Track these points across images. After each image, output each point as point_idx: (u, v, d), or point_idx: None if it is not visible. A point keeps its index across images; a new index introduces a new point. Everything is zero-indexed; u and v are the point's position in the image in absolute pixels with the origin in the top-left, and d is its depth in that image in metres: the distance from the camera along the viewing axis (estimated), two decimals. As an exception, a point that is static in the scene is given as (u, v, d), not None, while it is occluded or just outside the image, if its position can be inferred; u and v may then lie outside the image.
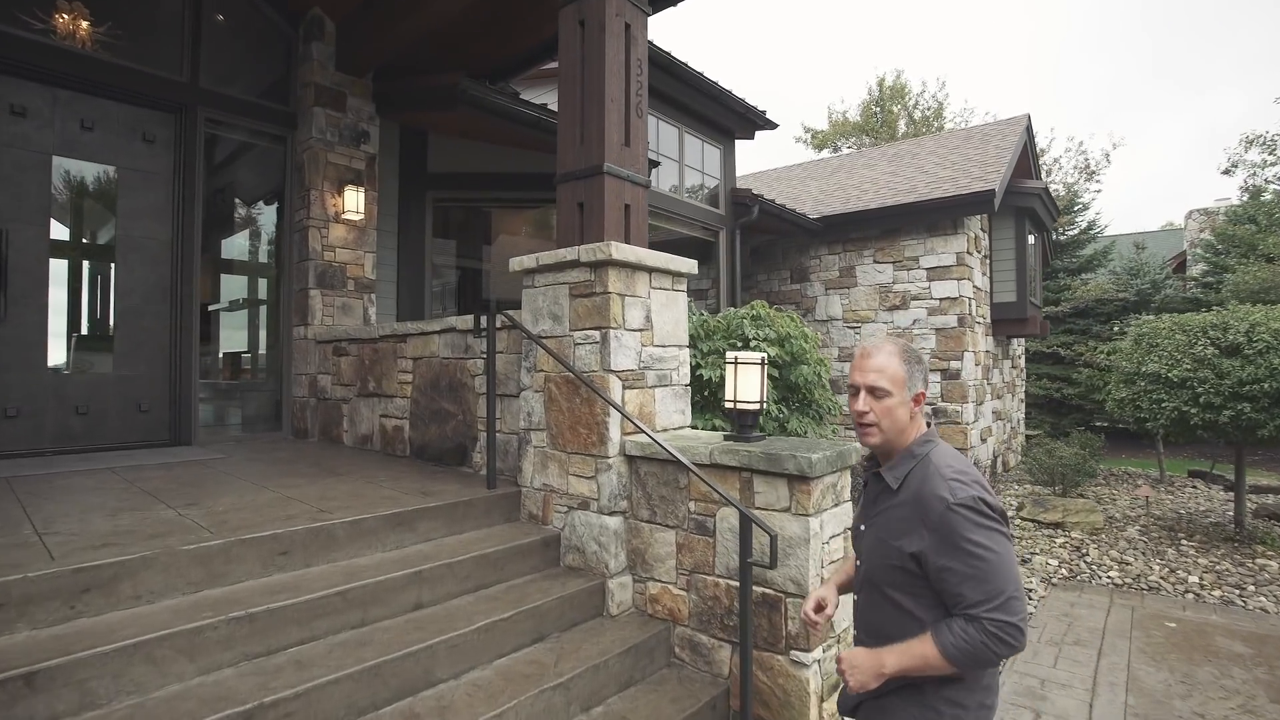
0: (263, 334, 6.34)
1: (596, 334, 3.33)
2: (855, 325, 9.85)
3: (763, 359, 3.15)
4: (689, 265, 3.71)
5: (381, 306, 6.37)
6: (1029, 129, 10.61)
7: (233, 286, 6.44)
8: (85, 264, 5.38)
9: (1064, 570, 5.87)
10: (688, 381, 3.79)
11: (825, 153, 23.92)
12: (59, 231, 5.12)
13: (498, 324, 3.74)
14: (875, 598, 1.66)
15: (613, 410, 3.26)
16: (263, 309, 6.36)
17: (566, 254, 3.41)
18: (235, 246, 6.51)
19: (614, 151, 3.58)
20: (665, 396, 3.62)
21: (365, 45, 5.71)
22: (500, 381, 3.86)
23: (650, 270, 3.53)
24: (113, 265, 5.24)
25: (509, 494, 3.65)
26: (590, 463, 3.33)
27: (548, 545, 3.42)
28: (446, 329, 4.32)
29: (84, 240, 5.43)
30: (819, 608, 1.84)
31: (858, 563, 1.75)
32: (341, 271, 5.94)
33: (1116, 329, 13.67)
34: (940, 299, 9.12)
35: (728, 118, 8.46)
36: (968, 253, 9.06)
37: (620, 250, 3.28)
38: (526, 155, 6.78)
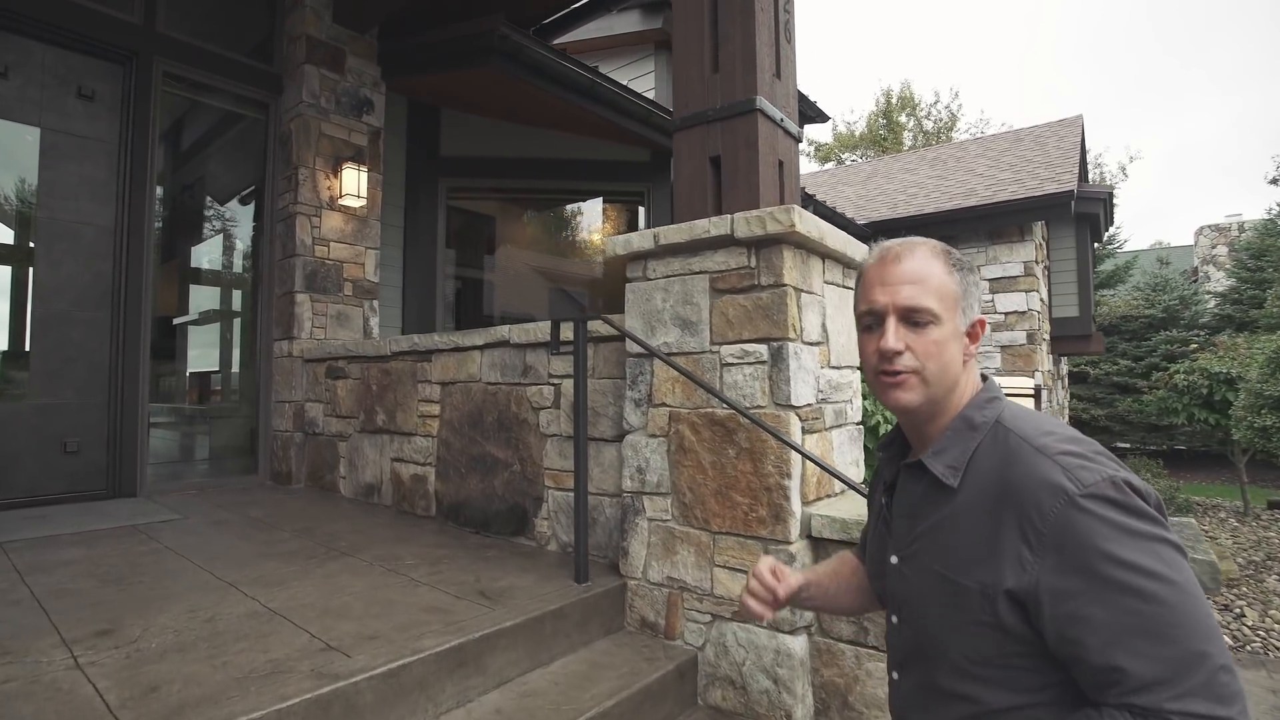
0: (235, 350, 5.03)
1: (762, 349, 2.18)
2: (907, 343, 8.84)
3: (1037, 388, 2.02)
4: (863, 251, 2.59)
5: (384, 317, 5.13)
6: (1082, 131, 9.83)
7: (200, 296, 5.12)
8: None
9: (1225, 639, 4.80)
10: (860, 419, 2.65)
11: (829, 165, 23.24)
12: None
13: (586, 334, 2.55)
14: (930, 676, 0.94)
15: (793, 468, 2.10)
16: (236, 320, 5.07)
17: (710, 226, 2.26)
18: (203, 247, 5.21)
19: (765, 83, 2.46)
20: (842, 442, 2.47)
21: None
22: (588, 419, 2.66)
23: (825, 255, 2.41)
24: (30, 258, 3.94)
25: (609, 589, 2.45)
26: (753, 548, 2.16)
27: (682, 676, 2.22)
28: (494, 342, 3.12)
29: (-7, 225, 4.12)
30: (778, 576, 1.16)
31: (894, 619, 1.02)
32: (337, 271, 4.70)
33: (1157, 347, 12.96)
34: (1006, 313, 8.16)
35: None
36: (1035, 261, 8.13)
37: (803, 220, 2.14)
38: (561, 139, 5.64)
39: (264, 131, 4.84)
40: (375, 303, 4.92)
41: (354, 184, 4.62)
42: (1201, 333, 13.91)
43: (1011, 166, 9.04)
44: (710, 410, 2.27)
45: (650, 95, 6.16)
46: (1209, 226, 18.14)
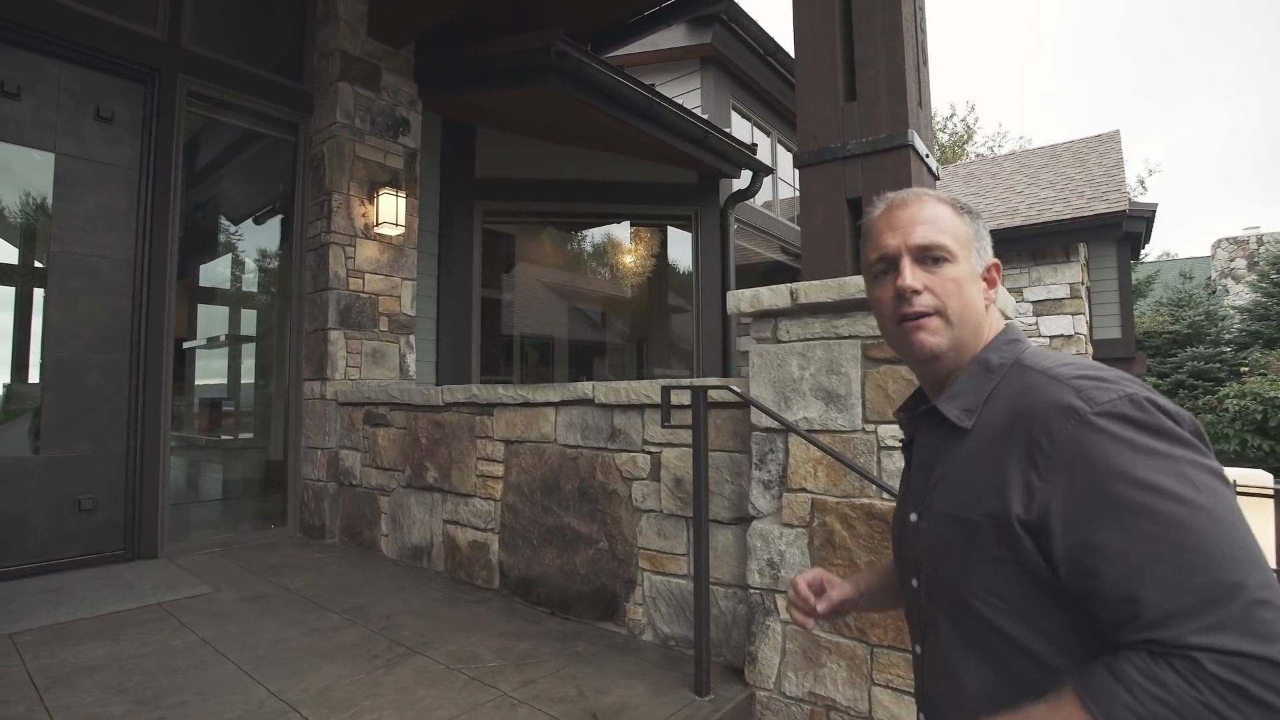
0: (256, 387, 4.66)
1: (936, 433, 1.83)
2: (945, 366, 8.51)
3: (1277, 491, 1.69)
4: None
5: (418, 351, 4.77)
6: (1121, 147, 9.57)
7: (215, 321, 4.76)
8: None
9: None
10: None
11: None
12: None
13: (678, 397, 2.20)
14: (951, 634, 0.85)
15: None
16: (253, 351, 4.70)
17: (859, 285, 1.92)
18: (221, 275, 4.84)
19: (914, 113, 2.13)
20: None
21: (408, 4, 4.21)
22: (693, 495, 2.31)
23: (990, 316, 2.06)
24: (42, 296, 3.57)
25: (737, 703, 2.09)
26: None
27: (841, 820, 1.86)
28: (573, 400, 2.77)
29: None
30: (819, 588, 1.11)
31: (914, 582, 0.93)
32: (372, 305, 4.34)
33: (1183, 364, 12.69)
34: (1051, 337, 7.86)
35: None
36: (1081, 283, 7.83)
37: (987, 282, 1.80)
38: (602, 159, 5.31)
39: (292, 153, 4.49)
40: (412, 338, 4.56)
41: (391, 211, 4.27)
42: (1228, 349, 13.66)
43: (1053, 184, 8.75)
44: (867, 502, 1.92)
45: (697, 112, 5.85)
46: (1227, 239, 17.94)
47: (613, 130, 4.57)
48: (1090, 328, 9.01)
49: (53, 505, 3.49)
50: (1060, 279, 7.84)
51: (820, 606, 1.09)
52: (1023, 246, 8.00)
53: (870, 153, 2.12)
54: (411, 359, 4.53)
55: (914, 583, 0.94)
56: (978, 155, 22.13)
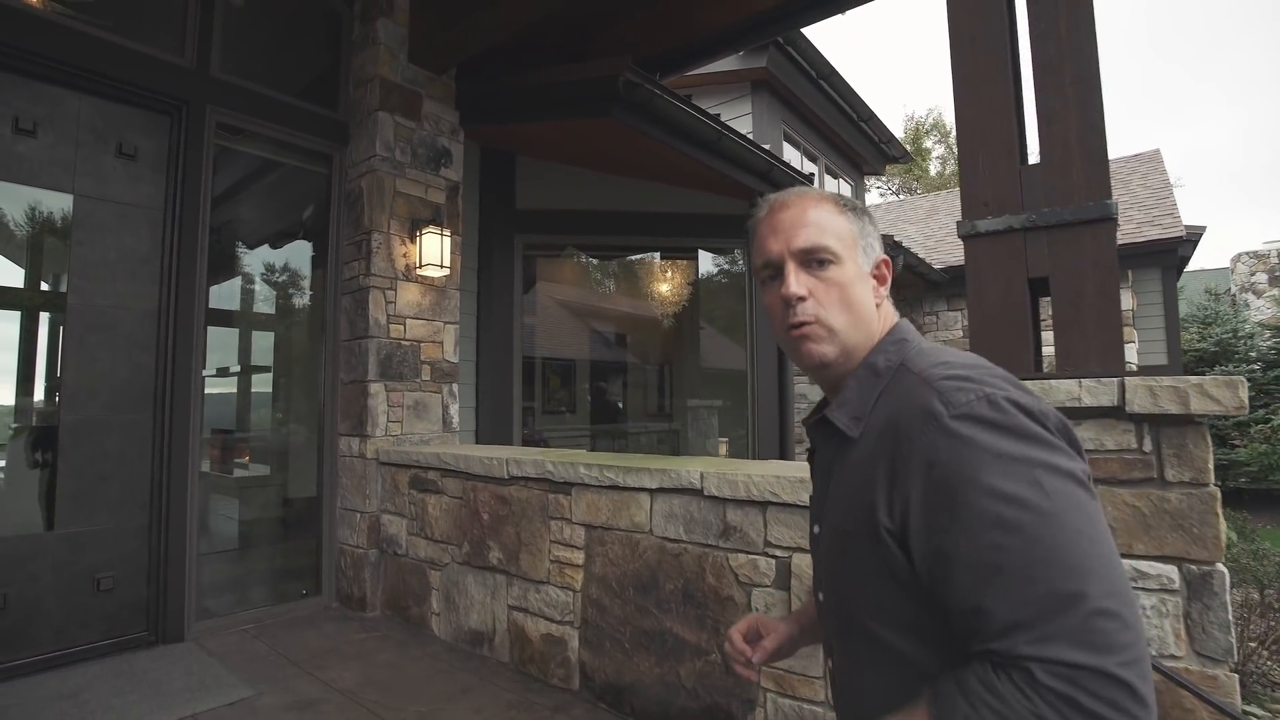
0: (286, 442, 4.31)
1: (1172, 572, 1.52)
2: (986, 395, 8.19)
3: None
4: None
5: (460, 399, 4.43)
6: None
7: (245, 381, 4.41)
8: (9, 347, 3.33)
9: None
10: None
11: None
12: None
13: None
14: (846, 647, 0.89)
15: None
16: (284, 402, 4.35)
17: (1082, 391, 1.59)
18: (238, 314, 4.49)
19: (1106, 178, 1.81)
20: None
21: (452, 29, 3.88)
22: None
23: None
24: (59, 351, 3.23)
25: None
26: None
27: None
28: (674, 488, 2.43)
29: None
30: (754, 636, 1.10)
31: (820, 596, 0.94)
32: (414, 353, 4.00)
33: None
34: (1101, 366, 7.53)
35: (864, 147, 6.86)
36: (1132, 311, 7.54)
37: (1239, 390, 1.48)
38: (648, 189, 4.99)
39: (325, 188, 4.16)
40: (455, 387, 4.21)
41: (436, 251, 3.94)
42: (1257, 367, 13.40)
43: (1097, 206, 8.46)
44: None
45: (750, 137, 5.55)
46: (1247, 254, 17.72)
47: (671, 162, 4.25)
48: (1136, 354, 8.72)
49: (69, 586, 3.13)
50: (1109, 306, 7.54)
51: (755, 656, 1.06)
52: (1068, 271, 7.69)
53: (1060, 224, 1.80)
54: (455, 409, 4.19)
55: (820, 597, 0.93)
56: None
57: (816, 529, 0.93)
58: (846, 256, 0.87)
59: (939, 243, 9.07)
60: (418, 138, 4.11)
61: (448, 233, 4.04)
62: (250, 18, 3.87)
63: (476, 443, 4.57)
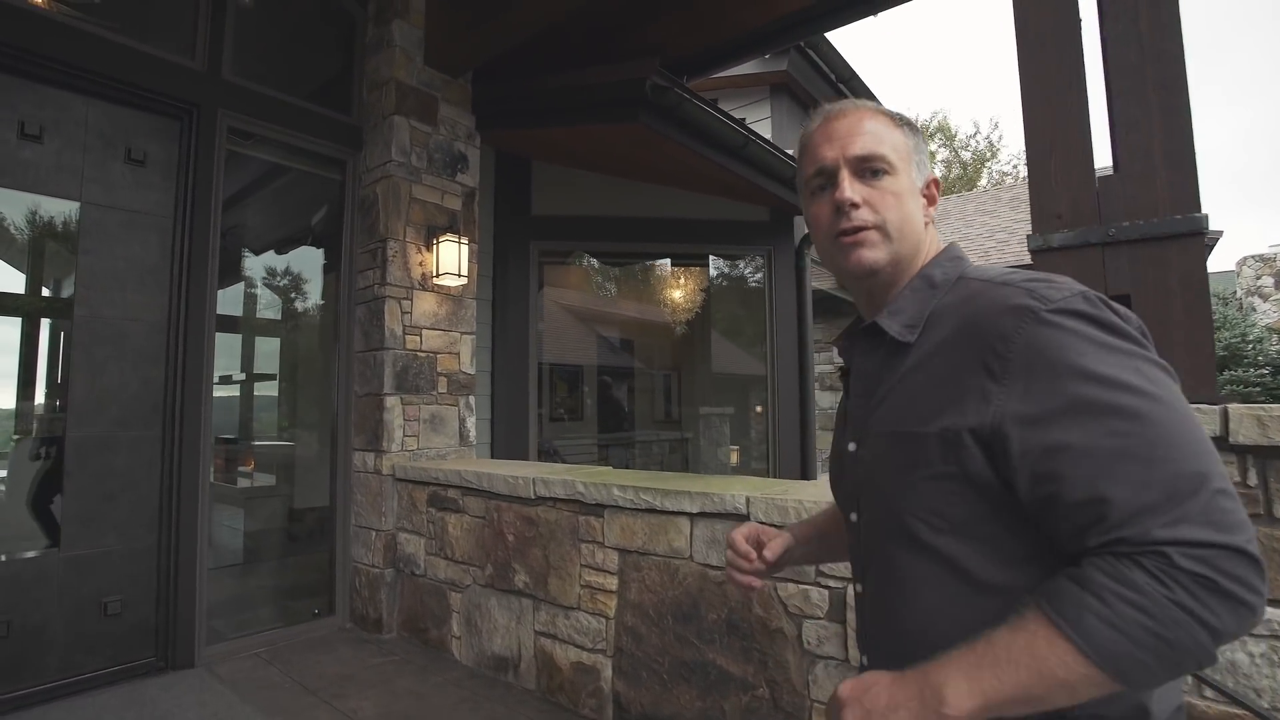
0: (295, 455, 4.19)
1: (1296, 624, 1.39)
2: (1001, 402, 8.09)
3: None
4: None
5: (476, 411, 4.31)
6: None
7: (252, 392, 4.29)
8: (12, 359, 3.20)
9: None
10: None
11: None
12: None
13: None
14: (891, 563, 0.81)
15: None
16: (294, 414, 4.23)
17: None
18: (246, 324, 4.37)
19: (1195, 190, 1.70)
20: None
21: (472, 30, 3.76)
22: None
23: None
24: (64, 364, 3.10)
25: None
26: None
27: None
28: (718, 512, 2.31)
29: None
30: (756, 543, 1.05)
31: (853, 516, 0.90)
32: (430, 365, 3.88)
33: (1221, 387, 12.33)
34: (1118, 373, 7.43)
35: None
36: (1151, 317, 7.44)
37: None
38: (666, 194, 4.88)
39: (339, 194, 4.04)
40: (472, 399, 4.09)
41: (453, 260, 3.82)
42: (1266, 371, 13.31)
43: (1113, 211, 8.36)
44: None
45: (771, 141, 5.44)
46: (1253, 257, 17.62)
47: (694, 168, 4.14)
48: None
49: (75, 611, 3.00)
50: (1127, 312, 7.44)
51: (768, 554, 1.02)
52: (1085, 277, 7.60)
53: (1144, 239, 1.68)
54: (471, 422, 4.07)
55: (853, 517, 0.89)
56: (1000, 173, 21.90)
57: (853, 446, 0.88)
58: (901, 169, 0.86)
59: (952, 248, 8.96)
60: (434, 142, 3.99)
61: (465, 240, 3.92)
62: (261, 19, 3.76)
63: (492, 455, 4.45)
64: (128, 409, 3.20)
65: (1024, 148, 1.93)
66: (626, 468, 7.60)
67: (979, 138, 22.00)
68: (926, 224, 0.89)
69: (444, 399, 3.93)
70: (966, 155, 21.80)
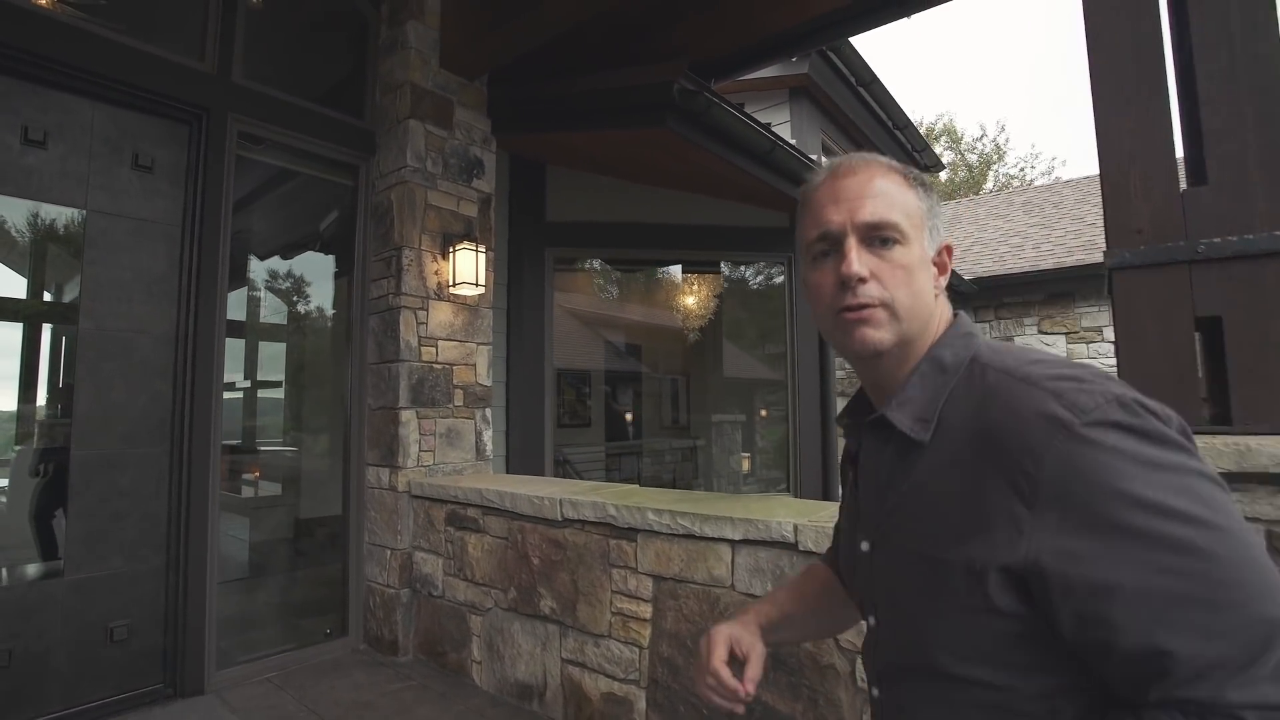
0: (302, 468, 4.07)
1: None
2: (1016, 409, 7.98)
3: None
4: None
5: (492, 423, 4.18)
6: (1187, 175, 9.11)
7: (259, 405, 4.16)
8: (11, 377, 3.07)
9: None
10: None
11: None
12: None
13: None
14: (917, 676, 0.74)
15: None
16: (299, 427, 4.11)
17: (1291, 459, 1.36)
18: (259, 339, 4.24)
19: (1294, 203, 1.58)
20: None
21: (491, 32, 3.64)
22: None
23: None
24: (71, 381, 2.98)
25: None
26: None
27: None
28: (762, 540, 2.19)
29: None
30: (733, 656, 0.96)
31: (870, 620, 0.83)
32: (446, 377, 3.76)
33: None
34: (1136, 380, 7.33)
35: (896, 154, 6.64)
36: (1169, 324, 7.33)
37: None
38: (681, 199, 4.77)
39: (351, 201, 3.92)
40: (488, 411, 3.97)
41: (471, 269, 3.70)
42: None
43: (1129, 216, 8.26)
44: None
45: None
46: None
47: (717, 173, 4.03)
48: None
49: (80, 638, 2.87)
50: (1144, 318, 7.34)
51: (748, 690, 0.91)
52: (1101, 284, 7.49)
53: (1239, 256, 1.57)
54: (488, 436, 3.95)
55: (870, 620, 0.83)
56: (1006, 175, 21.83)
57: (866, 546, 0.81)
58: (914, 237, 0.77)
59: (965, 251, 8.87)
60: (449, 147, 3.87)
61: (482, 249, 3.80)
62: (271, 21, 3.63)
63: (507, 468, 4.33)
64: (134, 425, 3.07)
65: (1098, 159, 1.81)
66: (637, 475, 7.48)
67: (985, 140, 21.97)
68: (936, 295, 0.80)
69: (460, 412, 3.80)
70: (973, 158, 21.78)
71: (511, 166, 4.58)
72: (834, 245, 0.78)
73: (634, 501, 2.56)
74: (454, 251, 3.71)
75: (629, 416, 8.42)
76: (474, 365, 3.90)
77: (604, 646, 2.62)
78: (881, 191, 0.77)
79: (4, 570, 2.83)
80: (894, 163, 0.83)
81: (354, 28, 4.00)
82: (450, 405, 3.76)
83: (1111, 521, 0.57)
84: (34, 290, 3.19)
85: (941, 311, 0.81)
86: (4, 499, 2.99)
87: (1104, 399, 0.61)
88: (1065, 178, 20.68)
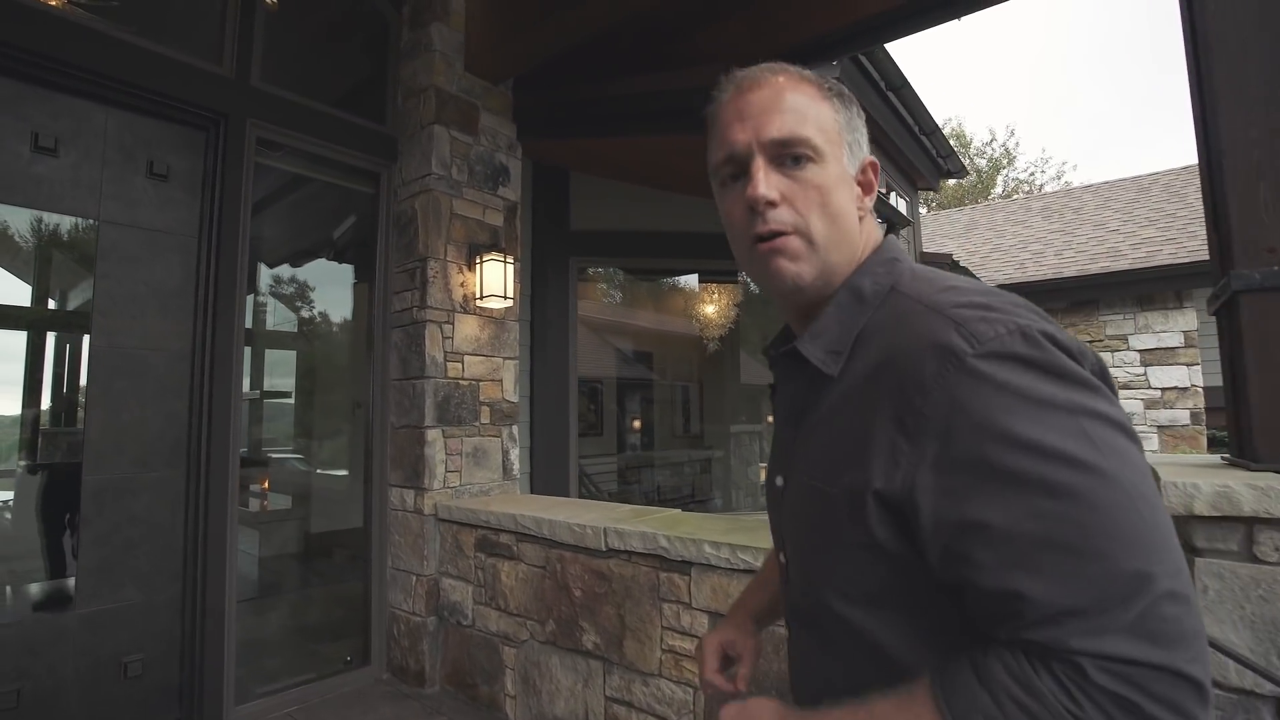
0: (313, 486, 3.91)
1: None
2: (1038, 418, 7.84)
3: None
4: None
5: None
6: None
7: (272, 419, 4.00)
8: (17, 403, 2.90)
9: None
10: None
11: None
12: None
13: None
14: (814, 620, 0.75)
15: None
16: (311, 445, 3.95)
17: None
18: (273, 354, 4.08)
19: None
20: None
21: (519, 33, 3.50)
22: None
23: None
24: (80, 402, 2.82)
25: None
26: None
27: None
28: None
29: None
30: (724, 659, 1.01)
31: (781, 557, 0.83)
32: (472, 395, 3.60)
33: None
34: (1163, 389, 7.22)
35: (922, 161, 6.50)
36: (1197, 331, 7.21)
37: None
38: (700, 206, 4.60)
39: (371, 210, 3.76)
40: (515, 429, 3.81)
41: (499, 281, 3.54)
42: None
43: (1153, 222, 8.14)
44: None
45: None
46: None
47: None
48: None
49: (92, 674, 2.71)
50: (1173, 326, 7.21)
51: (743, 673, 0.98)
52: (1126, 291, 7.37)
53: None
54: (515, 454, 3.79)
55: (782, 558, 0.82)
56: (1015, 180, 21.74)
57: (780, 481, 0.80)
58: (830, 153, 0.72)
59: (984, 258, 8.73)
60: (474, 154, 3.72)
61: (507, 259, 3.64)
62: (288, 22, 3.48)
63: (531, 487, 4.17)
64: (149, 448, 2.91)
65: (1207, 171, 1.67)
66: (656, 489, 7.32)
67: (995, 145, 21.84)
68: (861, 218, 0.75)
69: (487, 430, 3.64)
70: (982, 163, 21.62)
71: (534, 173, 4.43)
72: (741, 168, 0.73)
73: (687, 532, 2.40)
74: (481, 262, 3.55)
75: (637, 424, 8.26)
76: (500, 381, 3.74)
77: (654, 686, 2.46)
78: (792, 105, 0.71)
79: (7, 588, 2.66)
80: (806, 71, 0.76)
81: (373, 30, 3.86)
82: (477, 423, 3.60)
83: (988, 461, 0.55)
84: (39, 297, 3.02)
85: (868, 235, 0.76)
86: (9, 516, 2.84)
87: (1006, 329, 0.57)
88: (1074, 183, 20.63)
